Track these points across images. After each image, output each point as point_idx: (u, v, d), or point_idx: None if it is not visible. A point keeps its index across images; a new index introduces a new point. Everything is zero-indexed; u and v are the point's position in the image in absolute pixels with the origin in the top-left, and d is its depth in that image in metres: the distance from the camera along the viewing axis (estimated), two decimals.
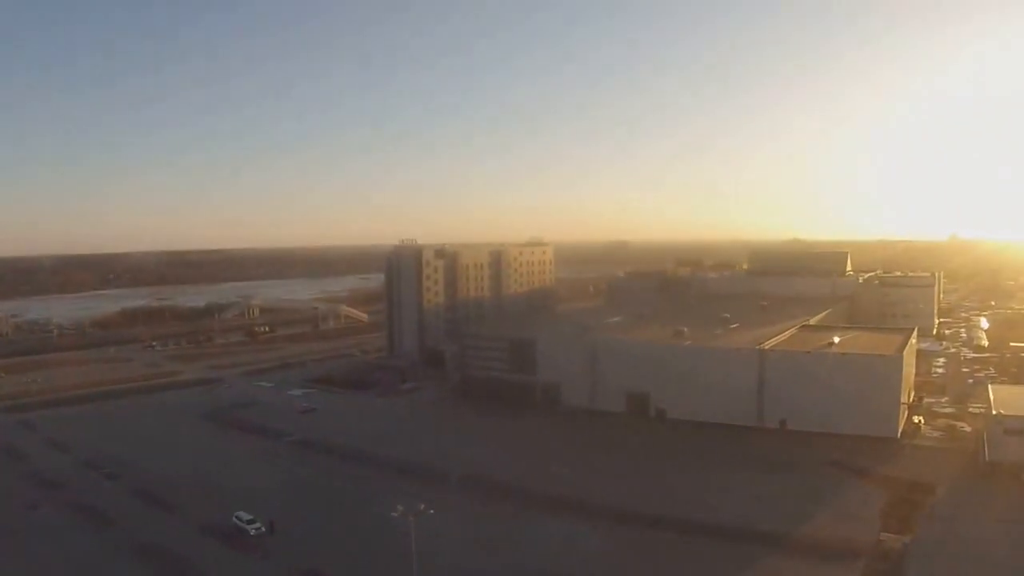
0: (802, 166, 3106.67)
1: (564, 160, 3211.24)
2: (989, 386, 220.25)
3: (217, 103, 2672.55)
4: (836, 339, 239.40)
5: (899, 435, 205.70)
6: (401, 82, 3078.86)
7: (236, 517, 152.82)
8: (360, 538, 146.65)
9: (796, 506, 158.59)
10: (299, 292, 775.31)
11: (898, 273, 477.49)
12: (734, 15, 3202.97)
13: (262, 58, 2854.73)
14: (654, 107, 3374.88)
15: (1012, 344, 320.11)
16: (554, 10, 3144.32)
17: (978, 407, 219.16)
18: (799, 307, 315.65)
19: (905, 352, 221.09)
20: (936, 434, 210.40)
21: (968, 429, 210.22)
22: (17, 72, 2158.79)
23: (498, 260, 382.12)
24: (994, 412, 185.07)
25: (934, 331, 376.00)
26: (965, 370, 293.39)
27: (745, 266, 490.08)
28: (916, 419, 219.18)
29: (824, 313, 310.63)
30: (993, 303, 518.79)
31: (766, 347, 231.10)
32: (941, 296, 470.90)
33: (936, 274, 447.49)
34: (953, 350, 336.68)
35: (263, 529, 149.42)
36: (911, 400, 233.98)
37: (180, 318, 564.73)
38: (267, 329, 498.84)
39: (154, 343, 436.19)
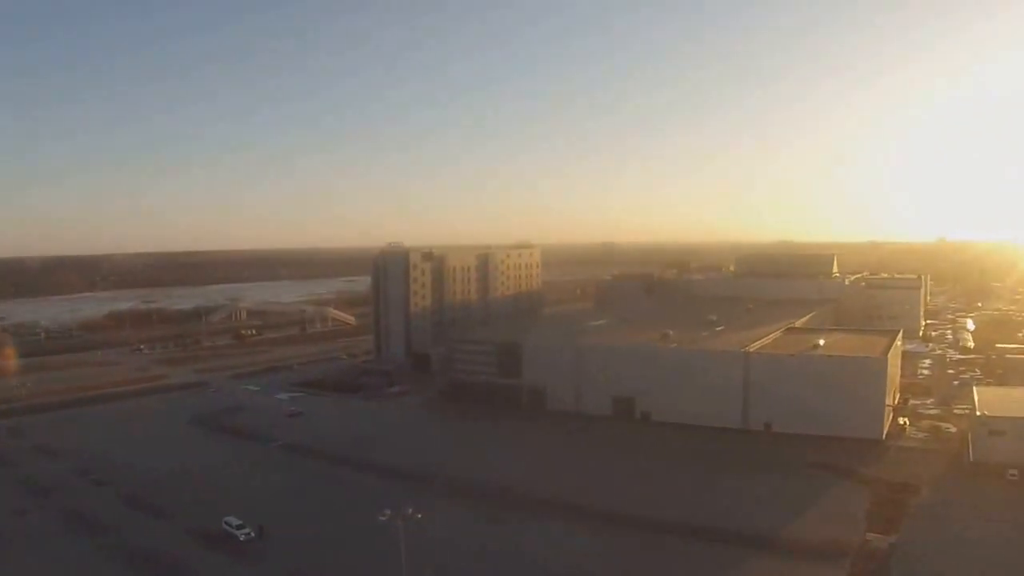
0: (791, 169, 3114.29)
1: (551, 162, 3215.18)
2: (974, 387, 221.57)
3: (204, 105, 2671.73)
4: (821, 341, 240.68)
5: (884, 436, 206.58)
6: (388, 86, 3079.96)
7: (225, 522, 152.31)
8: (349, 542, 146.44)
9: (782, 507, 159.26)
10: (286, 294, 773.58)
11: (885, 275, 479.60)
12: (719, 18, 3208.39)
13: (247, 60, 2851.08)
14: (642, 110, 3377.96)
15: (998, 345, 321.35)
16: (537, 13, 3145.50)
17: (963, 408, 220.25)
18: (785, 309, 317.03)
19: (890, 354, 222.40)
20: (921, 435, 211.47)
21: (953, 430, 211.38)
22: (2, 72, 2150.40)
23: (485, 263, 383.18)
24: (978, 413, 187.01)
25: (920, 333, 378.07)
26: (951, 372, 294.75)
27: (732, 268, 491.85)
28: (901, 420, 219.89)
29: (810, 315, 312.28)
30: (980, 305, 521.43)
31: (751, 350, 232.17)
32: (928, 298, 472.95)
33: (923, 276, 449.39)
34: (939, 352, 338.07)
35: (252, 534, 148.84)
36: (896, 402, 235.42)
37: (168, 321, 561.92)
38: (254, 332, 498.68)
39: (142, 346, 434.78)
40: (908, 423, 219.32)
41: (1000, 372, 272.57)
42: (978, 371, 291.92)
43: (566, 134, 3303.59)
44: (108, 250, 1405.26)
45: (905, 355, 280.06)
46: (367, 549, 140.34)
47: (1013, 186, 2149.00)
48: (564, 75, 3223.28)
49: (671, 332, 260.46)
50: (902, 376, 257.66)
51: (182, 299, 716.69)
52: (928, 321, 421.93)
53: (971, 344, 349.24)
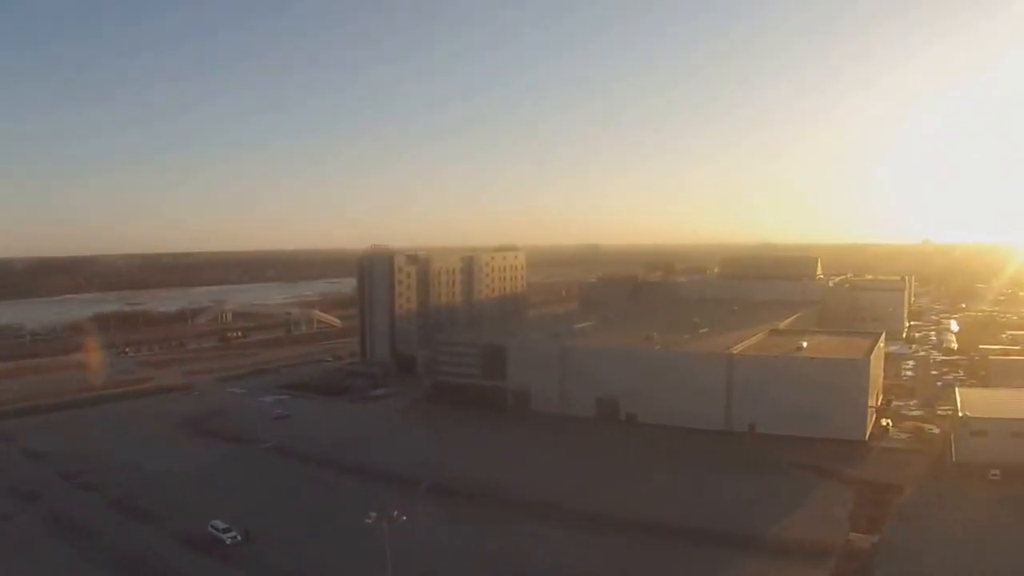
0: (776, 171, 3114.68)
1: (537, 164, 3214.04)
2: (956, 389, 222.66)
3: (190, 105, 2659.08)
4: (804, 343, 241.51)
5: (867, 438, 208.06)
6: (374, 86, 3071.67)
7: (212, 526, 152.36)
8: (335, 545, 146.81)
9: (765, 508, 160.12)
10: (271, 296, 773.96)
11: (869, 277, 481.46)
12: (703, 22, 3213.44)
13: (232, 60, 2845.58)
14: (627, 111, 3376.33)
15: (981, 347, 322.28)
16: (523, 19, 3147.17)
17: (946, 409, 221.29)
18: (769, 311, 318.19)
19: (872, 356, 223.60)
20: (904, 436, 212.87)
21: (936, 431, 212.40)
22: None
23: (470, 266, 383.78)
24: (961, 414, 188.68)
25: (904, 334, 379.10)
26: (934, 373, 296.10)
27: (716, 270, 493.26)
28: (884, 422, 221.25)
29: (794, 317, 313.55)
30: (964, 306, 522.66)
31: (735, 351, 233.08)
32: (912, 300, 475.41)
33: (906, 278, 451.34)
34: (923, 353, 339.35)
35: (239, 538, 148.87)
36: (879, 403, 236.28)
37: (153, 323, 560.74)
38: (240, 334, 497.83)
39: (128, 349, 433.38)
40: (891, 424, 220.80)
41: (983, 373, 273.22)
42: (961, 372, 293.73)
43: (553, 137, 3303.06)
44: (93, 252, 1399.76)
45: (889, 357, 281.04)
46: (353, 551, 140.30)
47: (998, 188, 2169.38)
48: (550, 79, 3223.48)
49: (655, 334, 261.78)
50: (885, 377, 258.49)
51: (167, 301, 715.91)
52: (912, 322, 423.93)
53: (955, 345, 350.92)
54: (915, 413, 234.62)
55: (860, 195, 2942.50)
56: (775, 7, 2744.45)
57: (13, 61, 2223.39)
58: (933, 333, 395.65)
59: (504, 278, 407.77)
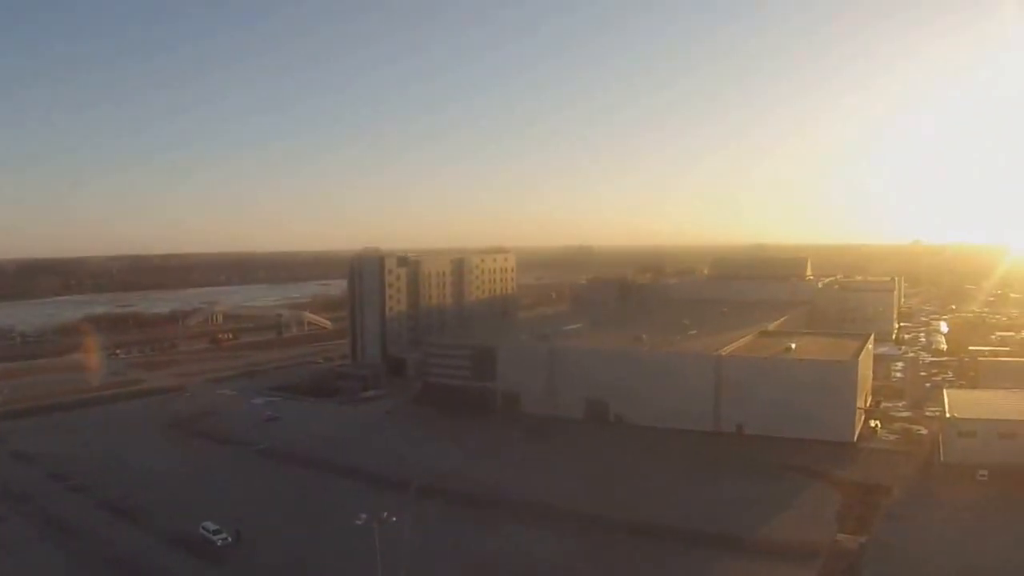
0: (766, 172, 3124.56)
1: (527, 165, 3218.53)
2: (944, 390, 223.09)
3: (182, 107, 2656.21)
4: (793, 345, 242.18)
5: (855, 439, 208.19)
6: (366, 89, 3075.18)
7: (203, 527, 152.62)
8: (325, 546, 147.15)
9: (753, 509, 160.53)
10: (262, 298, 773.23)
11: (859, 278, 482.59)
12: (693, 20, 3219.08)
13: (225, 62, 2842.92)
14: (618, 112, 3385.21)
15: (971, 348, 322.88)
16: (512, 21, 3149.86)
17: (935, 411, 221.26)
18: (759, 312, 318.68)
19: (860, 357, 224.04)
20: (893, 437, 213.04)
21: (924, 432, 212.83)
22: None
23: (460, 268, 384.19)
24: (948, 415, 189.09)
25: (894, 335, 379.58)
26: (923, 374, 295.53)
27: (707, 272, 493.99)
28: (873, 423, 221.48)
29: (783, 319, 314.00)
30: (953, 307, 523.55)
31: (723, 353, 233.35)
32: (902, 300, 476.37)
33: (896, 279, 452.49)
34: (912, 354, 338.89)
35: (229, 539, 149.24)
36: (868, 404, 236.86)
37: (144, 325, 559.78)
38: (231, 336, 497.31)
39: (118, 351, 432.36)
40: (880, 425, 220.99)
41: (973, 374, 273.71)
42: (951, 373, 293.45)
43: (543, 138, 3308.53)
44: (84, 253, 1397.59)
45: (878, 358, 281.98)
46: (343, 552, 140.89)
47: (989, 189, 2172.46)
48: (541, 81, 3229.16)
49: (645, 335, 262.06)
50: (874, 379, 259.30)
51: (158, 303, 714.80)
52: (902, 323, 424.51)
53: (944, 347, 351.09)
54: (904, 414, 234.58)
55: (851, 195, 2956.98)
56: (768, 9, 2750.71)
57: (4, 63, 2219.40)
58: (923, 334, 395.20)
59: (494, 280, 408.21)
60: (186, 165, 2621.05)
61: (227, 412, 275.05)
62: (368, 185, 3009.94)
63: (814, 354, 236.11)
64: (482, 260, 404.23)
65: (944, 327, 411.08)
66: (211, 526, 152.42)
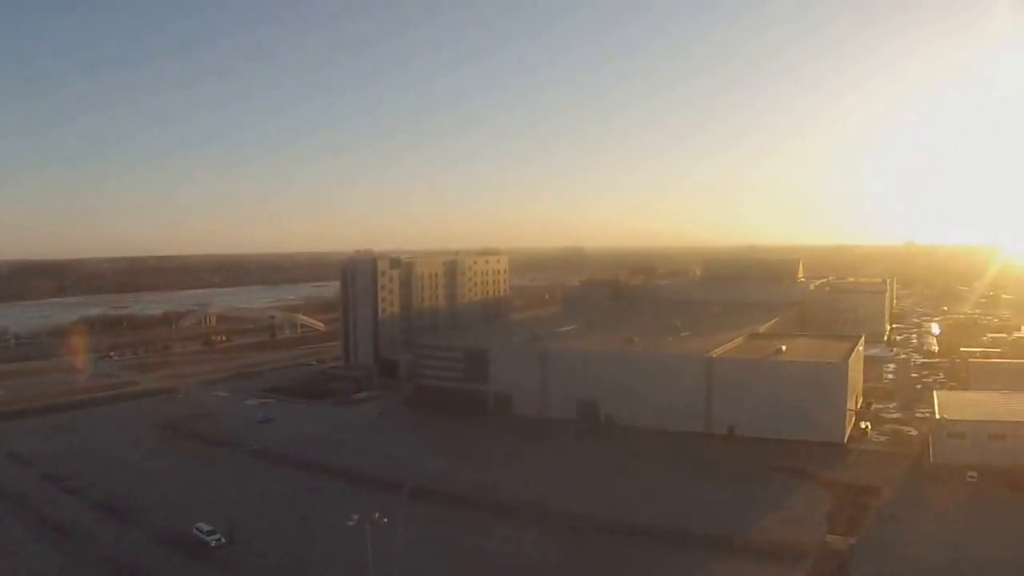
0: (759, 173, 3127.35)
1: (521, 167, 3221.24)
2: (934, 392, 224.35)
3: (176, 109, 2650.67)
4: (783, 347, 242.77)
5: (846, 440, 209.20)
6: (358, 91, 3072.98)
7: (196, 528, 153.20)
8: (318, 547, 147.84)
9: (743, 510, 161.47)
10: (255, 300, 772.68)
11: (851, 279, 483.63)
12: (686, 22, 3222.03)
13: (219, 64, 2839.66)
14: (612, 114, 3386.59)
15: (962, 349, 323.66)
16: (505, 22, 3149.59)
17: (925, 412, 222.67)
18: (751, 314, 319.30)
19: (851, 359, 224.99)
20: (883, 439, 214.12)
21: (914, 433, 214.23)
22: None
23: (453, 270, 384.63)
24: (938, 417, 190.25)
25: (885, 337, 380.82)
26: (914, 376, 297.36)
27: (699, 273, 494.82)
28: (863, 424, 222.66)
29: (774, 320, 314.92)
30: (945, 308, 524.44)
31: (714, 355, 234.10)
32: (894, 302, 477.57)
33: (887, 280, 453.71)
34: (903, 356, 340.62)
35: (223, 540, 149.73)
36: (859, 406, 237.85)
37: (138, 327, 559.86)
38: (224, 338, 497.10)
39: (112, 353, 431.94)
40: (870, 427, 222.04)
41: (964, 376, 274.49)
42: (942, 375, 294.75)
43: (537, 140, 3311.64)
44: (78, 255, 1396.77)
45: (870, 359, 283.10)
46: (336, 553, 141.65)
47: (983, 189, 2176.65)
48: (535, 83, 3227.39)
49: (636, 337, 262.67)
50: (866, 380, 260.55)
51: (152, 304, 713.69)
52: (894, 325, 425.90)
53: (936, 348, 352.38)
54: (894, 416, 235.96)
55: (844, 196, 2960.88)
56: (762, 11, 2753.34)
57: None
58: (914, 336, 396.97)
59: (487, 282, 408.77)
60: (181, 168, 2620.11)
61: (220, 414, 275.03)
62: (362, 187, 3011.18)
63: (805, 356, 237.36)
64: (475, 262, 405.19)
65: (936, 329, 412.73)
66: (205, 527, 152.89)
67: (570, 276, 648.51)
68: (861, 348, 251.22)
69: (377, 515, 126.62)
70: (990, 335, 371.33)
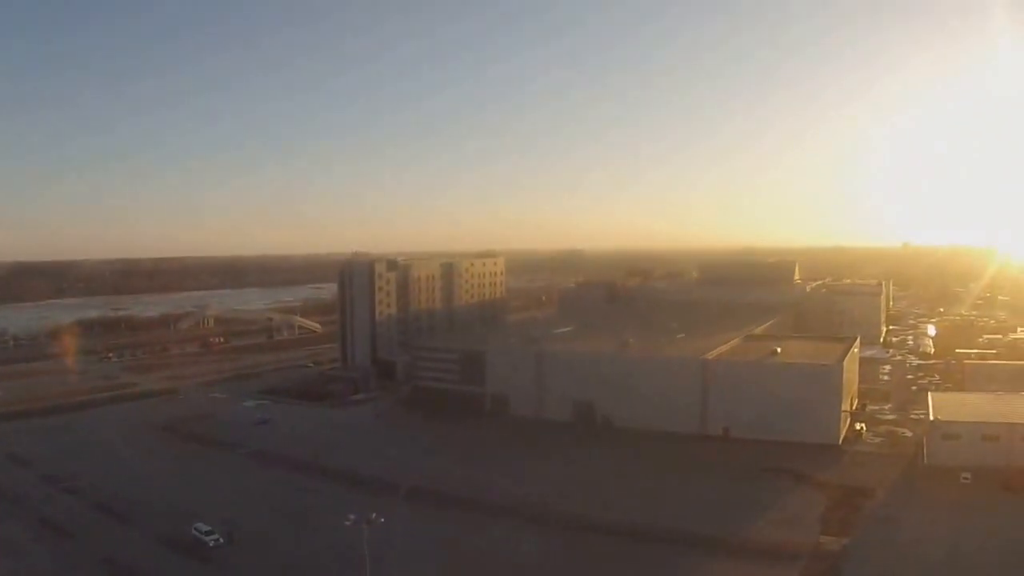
0: (756, 175, 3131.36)
1: (518, 169, 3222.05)
2: (929, 393, 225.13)
3: (173, 109, 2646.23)
4: (778, 349, 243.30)
5: (841, 441, 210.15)
6: (357, 91, 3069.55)
7: (195, 528, 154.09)
8: (315, 546, 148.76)
9: (737, 511, 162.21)
10: (253, 302, 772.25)
11: (847, 281, 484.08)
12: (682, 23, 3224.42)
13: (216, 65, 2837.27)
14: (609, 116, 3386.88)
15: (958, 351, 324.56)
16: (502, 20, 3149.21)
17: (920, 413, 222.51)
18: (746, 316, 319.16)
19: (846, 361, 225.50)
20: (878, 440, 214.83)
21: (909, 435, 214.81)
22: None
23: (450, 272, 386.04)
24: (932, 418, 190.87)
25: (881, 339, 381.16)
26: (910, 377, 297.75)
27: (696, 275, 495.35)
28: (858, 426, 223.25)
29: (770, 322, 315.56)
30: (942, 310, 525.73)
31: (710, 357, 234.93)
32: (890, 303, 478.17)
33: (883, 282, 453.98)
34: (899, 358, 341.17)
35: (222, 540, 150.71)
36: (854, 407, 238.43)
37: (136, 328, 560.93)
38: (222, 340, 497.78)
39: (111, 354, 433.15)
40: (865, 428, 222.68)
41: (959, 377, 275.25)
42: (938, 376, 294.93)
43: (534, 142, 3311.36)
44: (76, 257, 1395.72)
45: (865, 361, 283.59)
46: (333, 553, 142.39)
47: (979, 190, 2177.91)
48: (532, 84, 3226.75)
49: (632, 339, 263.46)
50: (862, 382, 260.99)
51: (150, 306, 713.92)
52: (890, 327, 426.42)
53: (931, 350, 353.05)
54: (889, 417, 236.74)
55: (841, 198, 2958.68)
56: (758, 15, 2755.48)
57: None
58: (910, 337, 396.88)
59: (483, 284, 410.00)
60: (179, 170, 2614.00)
61: (219, 415, 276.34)
62: (359, 189, 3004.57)
63: (800, 357, 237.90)
64: (471, 264, 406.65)
65: (932, 330, 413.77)
66: (203, 527, 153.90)
67: (567, 278, 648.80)
68: (856, 350, 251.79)
69: (374, 515, 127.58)
70: (986, 336, 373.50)
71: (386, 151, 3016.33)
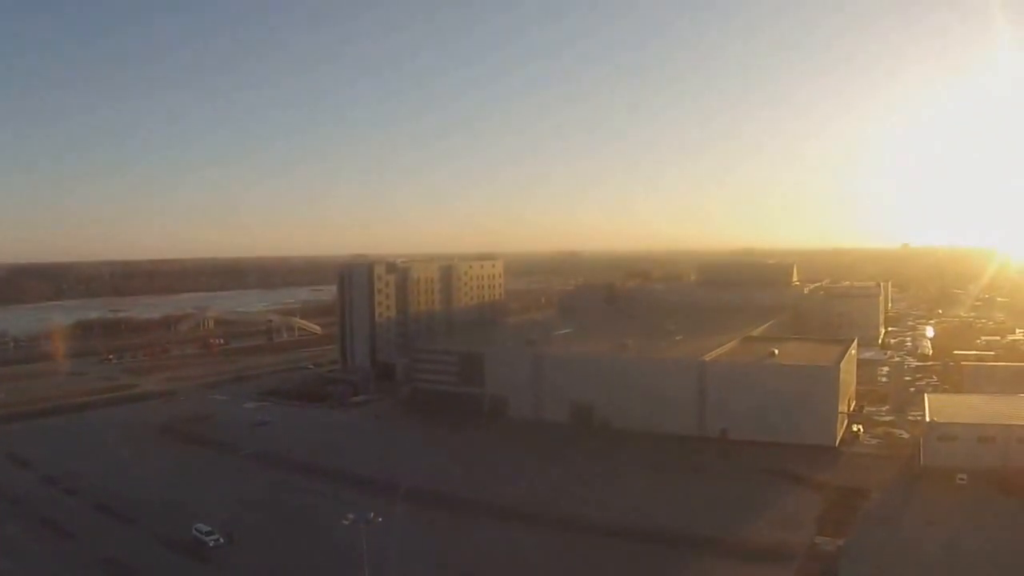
0: (755, 177, 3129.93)
1: (517, 171, 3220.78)
2: (925, 395, 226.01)
3: (173, 111, 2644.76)
4: (776, 350, 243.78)
5: (838, 443, 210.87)
6: (354, 94, 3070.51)
7: (195, 529, 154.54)
8: (314, 547, 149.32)
9: (734, 512, 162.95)
10: (253, 303, 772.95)
11: (846, 283, 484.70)
12: (681, 24, 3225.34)
13: (216, 67, 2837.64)
14: (607, 117, 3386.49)
15: (956, 352, 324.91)
16: (501, 23, 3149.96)
17: (917, 415, 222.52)
18: (745, 318, 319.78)
19: (843, 362, 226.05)
20: (875, 441, 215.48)
21: (906, 436, 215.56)
22: None
23: (448, 274, 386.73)
24: (929, 419, 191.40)
25: (880, 340, 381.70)
26: (908, 379, 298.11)
27: (693, 277, 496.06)
28: (855, 427, 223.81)
29: (768, 324, 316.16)
30: (940, 312, 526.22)
31: (707, 358, 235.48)
32: (889, 305, 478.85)
33: (882, 284, 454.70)
34: (898, 359, 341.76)
35: (222, 541, 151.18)
36: (851, 409, 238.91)
37: (136, 330, 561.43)
38: (222, 341, 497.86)
39: (111, 356, 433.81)
40: (862, 429, 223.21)
41: (957, 379, 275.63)
42: (935, 378, 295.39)
43: (533, 144, 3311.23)
44: (75, 258, 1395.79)
45: (864, 363, 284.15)
46: (332, 554, 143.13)
47: (978, 192, 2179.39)
48: (530, 86, 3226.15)
49: (630, 341, 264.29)
50: (859, 383, 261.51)
51: (150, 308, 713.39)
52: (889, 328, 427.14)
53: (930, 351, 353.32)
54: (887, 419, 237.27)
55: (840, 200, 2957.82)
56: (757, 14, 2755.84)
57: None
58: (909, 339, 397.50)
59: (482, 286, 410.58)
60: (177, 170, 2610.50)
61: (219, 416, 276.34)
62: (358, 191, 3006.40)
63: (797, 359, 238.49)
64: (470, 267, 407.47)
65: (930, 332, 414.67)
66: (204, 528, 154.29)
67: (565, 280, 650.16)
68: (854, 351, 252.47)
69: (372, 516, 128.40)
70: (985, 338, 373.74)
71: (385, 155, 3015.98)
